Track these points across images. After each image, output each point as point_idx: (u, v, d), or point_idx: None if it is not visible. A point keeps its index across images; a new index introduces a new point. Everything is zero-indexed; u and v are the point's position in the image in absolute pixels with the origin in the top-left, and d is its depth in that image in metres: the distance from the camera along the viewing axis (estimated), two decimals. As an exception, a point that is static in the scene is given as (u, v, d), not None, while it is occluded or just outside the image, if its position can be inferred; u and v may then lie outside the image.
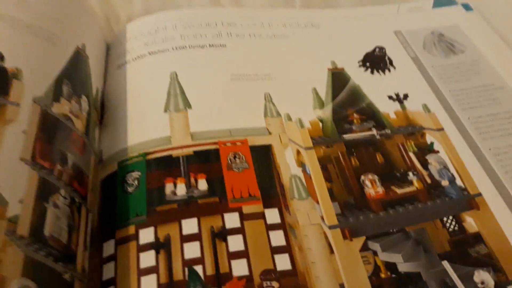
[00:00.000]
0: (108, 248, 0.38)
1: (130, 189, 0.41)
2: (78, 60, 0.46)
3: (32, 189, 0.33)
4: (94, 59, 0.50)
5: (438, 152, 0.46)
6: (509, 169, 0.43)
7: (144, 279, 0.35)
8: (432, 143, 0.47)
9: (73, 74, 0.44)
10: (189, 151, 0.43)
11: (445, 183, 0.43)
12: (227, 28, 0.55)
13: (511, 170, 0.43)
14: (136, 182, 0.41)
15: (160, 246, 0.37)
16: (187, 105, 0.46)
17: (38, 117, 0.37)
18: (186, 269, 0.36)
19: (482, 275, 0.37)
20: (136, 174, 0.41)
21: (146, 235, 0.38)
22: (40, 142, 0.36)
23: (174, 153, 0.43)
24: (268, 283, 0.36)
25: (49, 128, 0.38)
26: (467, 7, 0.61)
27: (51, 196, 0.35)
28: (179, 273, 0.36)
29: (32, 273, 0.30)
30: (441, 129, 0.47)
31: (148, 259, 0.36)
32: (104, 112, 0.48)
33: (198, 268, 0.36)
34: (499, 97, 0.50)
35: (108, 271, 0.37)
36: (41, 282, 0.30)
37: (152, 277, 0.35)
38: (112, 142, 0.45)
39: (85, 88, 0.45)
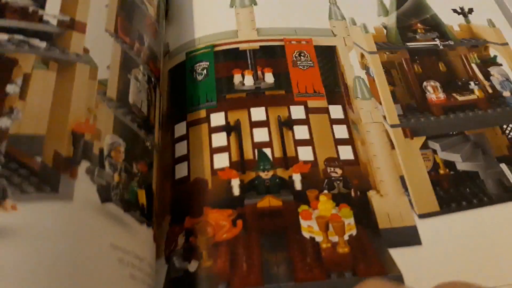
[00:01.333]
0: (180, 129, 0.40)
1: (199, 77, 0.42)
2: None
3: (116, 59, 0.35)
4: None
5: (501, 65, 0.46)
6: None
7: (217, 156, 0.37)
8: (495, 56, 0.46)
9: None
10: (256, 45, 0.44)
11: (506, 93, 0.44)
12: None
13: None
14: (205, 71, 0.42)
15: (231, 129, 0.39)
16: (253, 1, 0.46)
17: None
18: (256, 150, 0.38)
19: (538, 178, 0.38)
20: (204, 63, 0.43)
21: (217, 119, 0.39)
22: (120, 18, 0.37)
23: (241, 46, 0.43)
24: (332, 169, 0.38)
25: (127, 7, 0.39)
26: None
27: (133, 69, 0.36)
28: (249, 152, 0.38)
29: (121, 133, 0.32)
30: (505, 44, 0.47)
31: (219, 139, 0.38)
32: (168, 7, 0.49)
33: (267, 151, 0.38)
34: None
35: (181, 149, 0.39)
36: (128, 142, 0.32)
37: (224, 155, 0.37)
38: (178, 36, 0.46)
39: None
